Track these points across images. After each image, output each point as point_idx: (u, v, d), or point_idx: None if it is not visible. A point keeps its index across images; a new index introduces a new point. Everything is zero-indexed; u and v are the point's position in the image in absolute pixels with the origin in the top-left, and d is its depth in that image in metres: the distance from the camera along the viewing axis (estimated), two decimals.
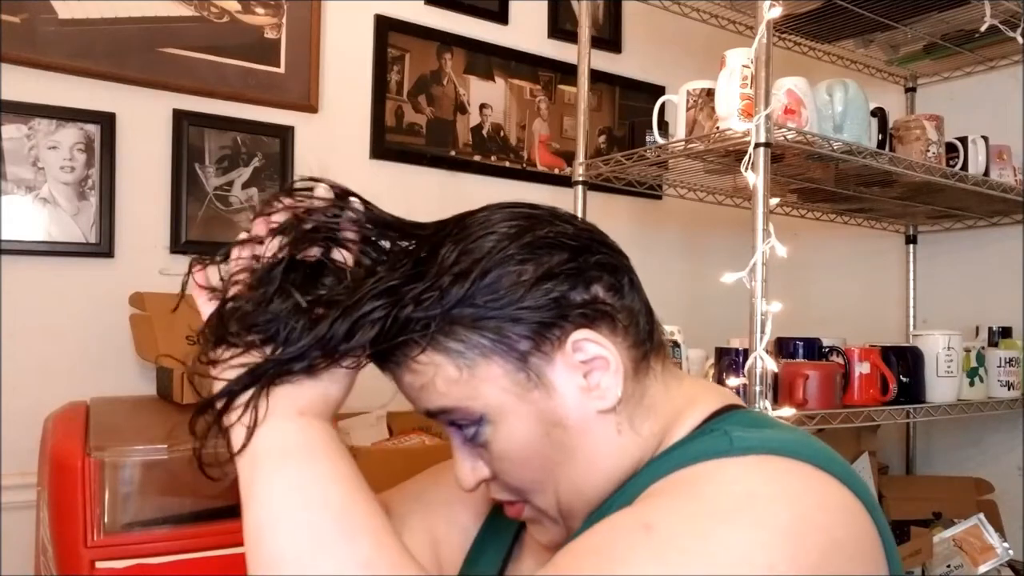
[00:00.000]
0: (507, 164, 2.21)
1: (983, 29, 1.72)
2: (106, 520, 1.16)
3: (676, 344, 1.58)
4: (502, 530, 0.75)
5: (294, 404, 0.58)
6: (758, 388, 1.29)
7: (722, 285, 1.30)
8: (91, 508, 1.15)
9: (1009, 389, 1.76)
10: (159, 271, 0.63)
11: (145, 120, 1.71)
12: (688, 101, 1.52)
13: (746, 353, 1.31)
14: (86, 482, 1.15)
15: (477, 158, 2.16)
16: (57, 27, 1.61)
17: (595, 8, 2.37)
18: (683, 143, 1.50)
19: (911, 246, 2.27)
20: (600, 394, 0.61)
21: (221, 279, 0.61)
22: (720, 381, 1.45)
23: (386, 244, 0.63)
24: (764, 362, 1.28)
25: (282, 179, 1.84)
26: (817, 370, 1.43)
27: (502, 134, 2.21)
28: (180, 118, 1.74)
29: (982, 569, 1.69)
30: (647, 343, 0.65)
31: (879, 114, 1.60)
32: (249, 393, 0.57)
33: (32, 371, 1.57)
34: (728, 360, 1.48)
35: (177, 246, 1.72)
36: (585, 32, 1.73)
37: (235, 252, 0.62)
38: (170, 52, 1.73)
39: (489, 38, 2.18)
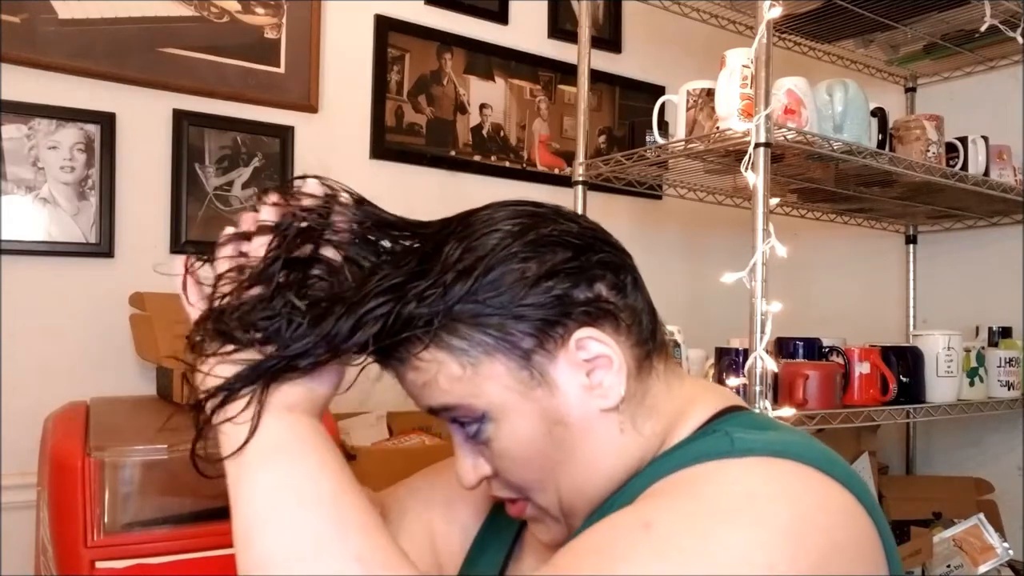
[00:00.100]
0: (507, 164, 2.21)
1: (983, 29, 1.72)
2: (106, 520, 1.16)
3: (676, 344, 1.58)
4: (503, 529, 0.75)
5: (283, 401, 0.58)
6: (758, 388, 1.29)
7: (722, 285, 1.30)
8: (91, 508, 1.15)
9: (1009, 389, 1.76)
10: (154, 267, 0.63)
11: (145, 120, 1.71)
12: (688, 101, 1.52)
13: (746, 353, 1.31)
14: (86, 482, 1.15)
15: (477, 158, 2.16)
16: (57, 27, 1.61)
17: (595, 8, 2.37)
18: (683, 143, 1.50)
19: (911, 246, 2.27)
20: (603, 393, 0.61)
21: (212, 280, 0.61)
22: (720, 381, 1.45)
23: (387, 243, 0.63)
24: (764, 362, 1.28)
25: (282, 179, 1.84)
26: (817, 370, 1.43)
27: (502, 134, 2.21)
28: (180, 118, 1.74)
29: (982, 569, 1.69)
30: (650, 342, 0.65)
31: (879, 114, 1.60)
32: (247, 390, 0.57)
33: (32, 371, 1.57)
34: (728, 360, 1.48)
35: (177, 246, 1.72)
36: (585, 32, 1.73)
37: (221, 249, 0.61)
38: (170, 52, 1.73)
39: (489, 38, 2.18)
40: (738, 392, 1.31)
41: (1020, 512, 1.97)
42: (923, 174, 1.61)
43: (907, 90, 2.28)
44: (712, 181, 1.83)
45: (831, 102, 1.49)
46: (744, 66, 1.37)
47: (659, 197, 2.24)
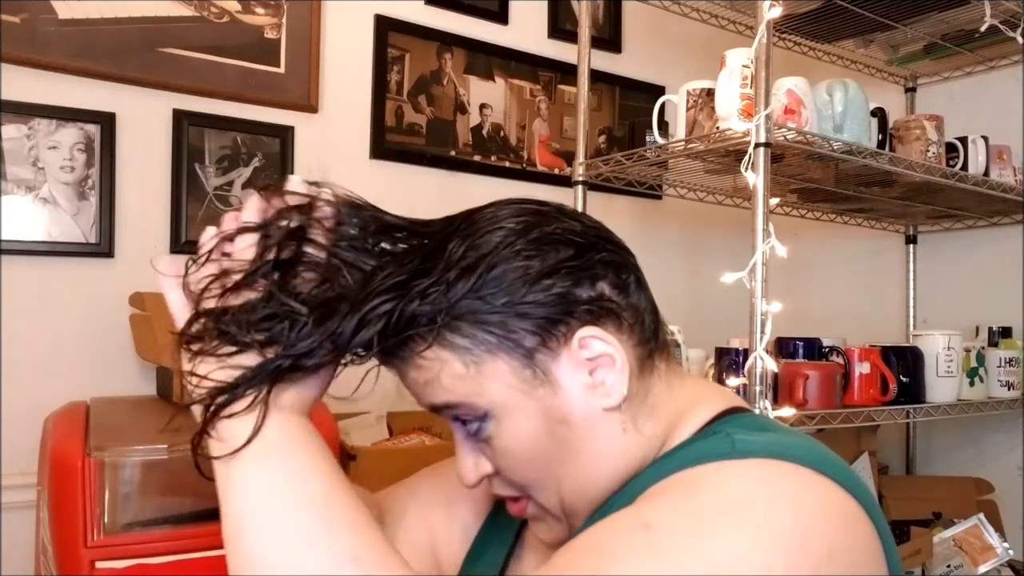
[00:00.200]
0: (507, 164, 2.21)
1: (983, 29, 1.72)
2: (106, 520, 1.16)
3: (677, 344, 1.58)
4: (504, 528, 0.75)
5: (273, 400, 0.57)
6: (758, 388, 1.29)
7: (722, 285, 1.30)
8: (91, 508, 1.15)
9: (1009, 389, 1.76)
10: (151, 261, 0.62)
11: (145, 120, 1.71)
12: (688, 101, 1.52)
13: (746, 353, 1.31)
14: (86, 482, 1.15)
15: (477, 158, 2.16)
16: (57, 27, 1.61)
17: (595, 8, 2.37)
18: (683, 143, 1.50)
19: (911, 246, 2.27)
20: (605, 392, 0.61)
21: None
22: (720, 381, 1.45)
23: (387, 245, 0.63)
24: (764, 362, 1.28)
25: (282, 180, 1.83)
26: (817, 370, 1.43)
27: (502, 134, 2.21)
28: (180, 118, 1.74)
29: (982, 569, 1.69)
30: (652, 342, 0.65)
31: (879, 114, 1.60)
32: (251, 391, 0.56)
33: (32, 371, 1.57)
34: (728, 360, 1.48)
35: (177, 246, 1.72)
36: (585, 32, 1.73)
37: (204, 248, 0.61)
38: (170, 52, 1.73)
39: (489, 38, 2.18)
40: (738, 392, 1.31)
41: (1020, 512, 1.97)
42: (923, 174, 1.62)
43: (907, 90, 2.28)
44: (712, 181, 1.83)
45: (831, 102, 1.49)
46: (744, 66, 1.37)
47: (659, 197, 2.24)
